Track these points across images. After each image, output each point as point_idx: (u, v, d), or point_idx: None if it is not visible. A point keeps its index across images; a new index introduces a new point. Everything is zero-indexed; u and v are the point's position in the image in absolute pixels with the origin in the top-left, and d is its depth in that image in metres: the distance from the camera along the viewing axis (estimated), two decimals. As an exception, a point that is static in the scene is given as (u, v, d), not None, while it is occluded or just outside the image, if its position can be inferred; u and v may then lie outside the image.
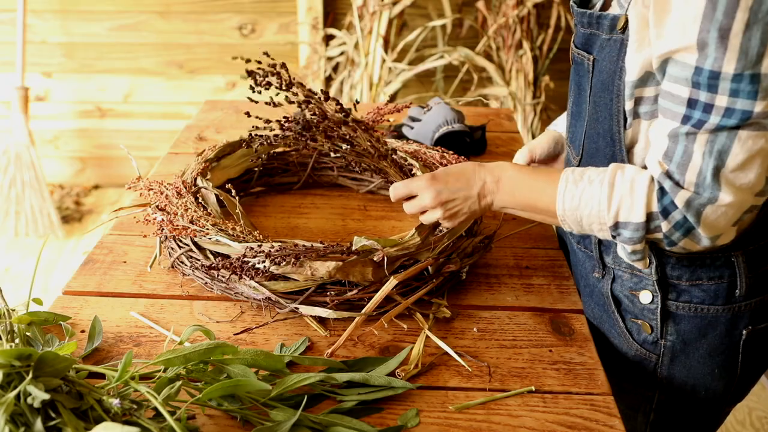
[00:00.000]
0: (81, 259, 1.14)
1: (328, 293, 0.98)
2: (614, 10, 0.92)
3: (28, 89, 2.98)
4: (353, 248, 0.96)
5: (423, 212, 0.98)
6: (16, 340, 0.86)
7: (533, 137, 2.81)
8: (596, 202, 0.87)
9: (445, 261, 1.03)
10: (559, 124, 1.20)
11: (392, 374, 0.87)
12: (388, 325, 0.97)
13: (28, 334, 0.89)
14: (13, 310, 0.89)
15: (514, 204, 0.95)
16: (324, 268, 0.95)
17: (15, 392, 0.64)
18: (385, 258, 0.97)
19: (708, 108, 0.79)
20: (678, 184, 0.83)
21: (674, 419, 1.06)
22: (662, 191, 0.84)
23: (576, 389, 0.88)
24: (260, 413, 0.78)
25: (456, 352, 0.92)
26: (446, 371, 0.90)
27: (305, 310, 0.97)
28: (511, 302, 1.04)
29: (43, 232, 2.96)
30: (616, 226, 0.87)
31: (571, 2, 1.00)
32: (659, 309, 0.97)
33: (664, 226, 0.84)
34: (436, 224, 1.03)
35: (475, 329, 0.98)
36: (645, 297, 0.98)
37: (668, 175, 0.84)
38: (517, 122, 2.73)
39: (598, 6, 0.97)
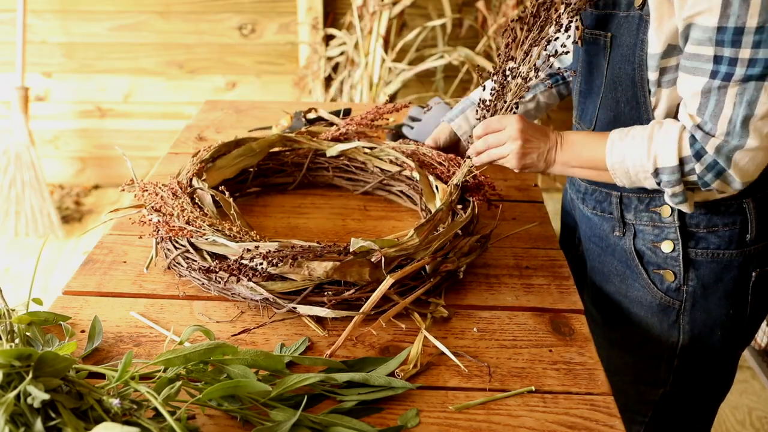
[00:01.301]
0: (81, 259, 1.14)
1: (326, 293, 0.98)
2: None
3: (28, 89, 2.98)
4: (351, 250, 0.96)
5: (493, 148, 1.08)
6: (16, 340, 0.86)
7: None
8: (638, 154, 0.97)
9: (442, 260, 1.03)
10: (455, 117, 1.32)
11: (392, 374, 0.87)
12: (386, 325, 0.97)
13: (28, 334, 0.89)
14: (13, 310, 0.89)
15: (574, 161, 1.05)
16: (321, 268, 0.95)
17: (15, 392, 0.64)
18: (383, 258, 0.97)
19: (733, 62, 0.88)
20: (708, 134, 0.92)
21: (696, 364, 1.13)
22: (694, 138, 0.93)
23: (576, 389, 0.88)
24: (260, 413, 0.78)
25: (454, 352, 0.92)
26: (446, 371, 0.90)
27: (303, 309, 0.97)
28: (511, 302, 1.04)
29: (43, 232, 2.96)
30: (656, 173, 0.97)
31: None
32: (681, 256, 1.07)
33: (698, 168, 0.94)
34: (436, 224, 1.03)
35: (475, 329, 0.98)
36: (666, 246, 1.08)
37: (699, 126, 0.93)
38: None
39: None
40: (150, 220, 1.07)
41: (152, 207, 1.09)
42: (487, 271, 1.12)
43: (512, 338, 0.97)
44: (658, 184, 0.98)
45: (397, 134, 1.53)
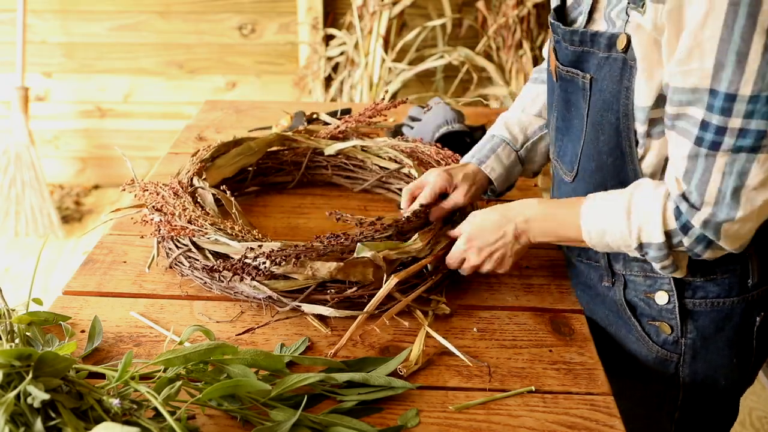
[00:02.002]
0: (81, 259, 1.14)
1: (329, 291, 0.98)
2: (600, 26, 0.91)
3: (28, 89, 2.98)
4: (356, 256, 0.96)
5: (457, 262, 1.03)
6: (16, 340, 0.86)
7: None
8: (619, 229, 0.90)
9: (444, 258, 1.03)
10: (485, 159, 1.16)
11: (392, 374, 0.87)
12: (389, 322, 0.97)
13: (28, 334, 0.89)
14: (13, 310, 0.89)
15: (546, 239, 0.98)
16: (325, 268, 0.96)
17: (15, 392, 0.64)
18: (386, 260, 0.97)
19: (721, 131, 0.80)
20: (694, 206, 0.84)
21: (698, 414, 1.07)
22: (679, 211, 0.86)
23: (576, 389, 0.88)
24: (260, 413, 0.78)
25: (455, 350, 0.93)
26: (446, 371, 0.90)
27: (307, 308, 0.97)
28: (511, 302, 1.04)
29: (43, 232, 2.96)
30: (641, 247, 0.89)
31: (551, 20, 0.98)
32: (677, 308, 0.98)
33: (686, 241, 0.87)
34: (448, 218, 1.04)
35: (475, 329, 0.98)
36: (661, 298, 0.99)
37: (685, 197, 0.85)
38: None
39: (581, 22, 0.94)
40: (151, 220, 1.07)
41: (153, 206, 1.09)
42: (487, 271, 1.12)
43: (512, 338, 0.97)
44: (644, 256, 0.91)
45: (397, 134, 1.53)
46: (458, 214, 1.13)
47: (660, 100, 0.87)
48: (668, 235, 0.87)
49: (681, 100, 0.82)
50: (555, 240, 0.99)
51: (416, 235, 1.01)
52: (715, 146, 0.81)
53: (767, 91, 0.76)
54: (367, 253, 0.96)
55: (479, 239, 1.00)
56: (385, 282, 0.97)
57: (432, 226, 1.06)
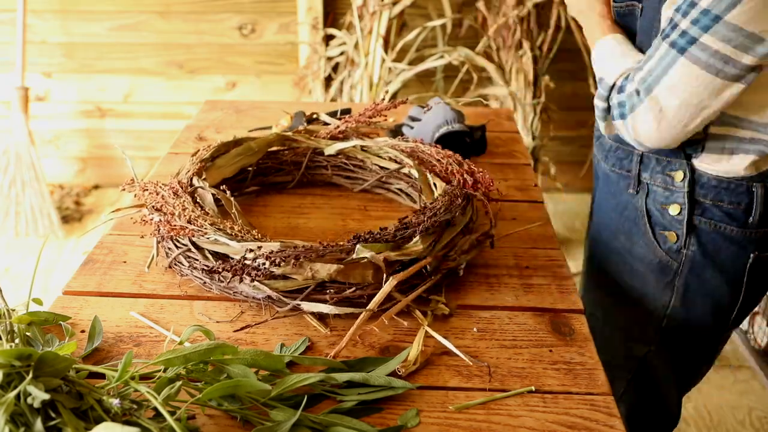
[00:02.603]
0: (81, 259, 1.14)
1: (328, 291, 0.98)
2: None
3: (28, 89, 2.98)
4: (356, 256, 0.96)
5: None
6: (16, 340, 0.86)
7: (533, 137, 2.82)
8: (602, 64, 1.12)
9: (443, 258, 1.03)
10: None
11: (392, 374, 0.87)
12: (388, 322, 0.97)
13: (28, 334, 0.89)
14: (13, 310, 0.89)
15: (589, 36, 1.21)
16: (325, 270, 0.96)
17: (15, 392, 0.64)
18: (386, 261, 0.97)
19: (674, 25, 0.97)
20: (637, 70, 1.03)
21: (681, 328, 1.21)
22: (626, 77, 1.05)
23: (576, 389, 0.88)
24: (260, 413, 0.78)
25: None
26: (446, 371, 0.90)
27: (307, 306, 0.98)
28: (511, 302, 1.04)
29: (43, 232, 2.96)
30: (600, 80, 1.12)
31: None
32: (685, 221, 1.13)
33: (614, 98, 1.06)
34: (440, 232, 1.05)
35: (475, 329, 0.98)
36: (674, 209, 1.15)
37: (639, 66, 1.04)
38: (517, 122, 2.73)
39: None
40: (151, 220, 1.07)
41: (153, 206, 1.09)
42: (487, 271, 1.12)
43: (512, 338, 0.97)
44: (598, 84, 1.12)
45: (397, 134, 1.53)
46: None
47: None
48: (613, 85, 1.07)
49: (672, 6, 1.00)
50: (590, 39, 1.21)
51: (416, 237, 1.01)
52: (665, 35, 0.98)
53: (716, 9, 0.90)
54: (367, 254, 0.96)
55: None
56: (385, 282, 0.97)
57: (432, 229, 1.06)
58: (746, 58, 0.92)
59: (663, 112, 0.99)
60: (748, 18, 0.89)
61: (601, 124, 1.14)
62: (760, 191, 1.08)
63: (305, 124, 1.50)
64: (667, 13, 1.01)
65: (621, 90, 1.05)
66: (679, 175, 1.13)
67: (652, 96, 0.99)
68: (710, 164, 1.10)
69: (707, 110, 0.98)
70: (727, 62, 0.92)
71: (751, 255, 1.13)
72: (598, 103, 1.11)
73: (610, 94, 1.08)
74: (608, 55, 1.12)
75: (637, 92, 1.01)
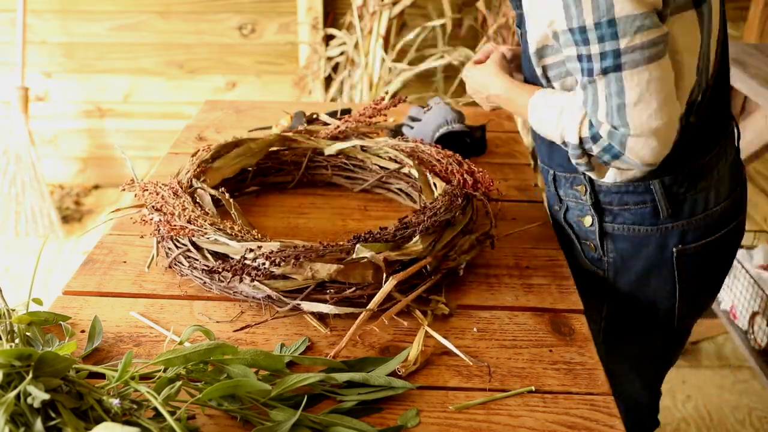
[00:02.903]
0: (81, 259, 1.14)
1: (328, 291, 0.98)
2: None
3: (28, 89, 2.98)
4: (356, 256, 0.96)
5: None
6: (16, 340, 0.86)
7: (533, 137, 2.82)
8: (551, 124, 1.08)
9: (443, 258, 1.03)
10: None
11: (392, 374, 0.87)
12: (388, 322, 0.97)
13: (28, 334, 0.89)
14: (13, 310, 0.89)
15: (510, 107, 1.22)
16: (325, 270, 0.96)
17: (15, 392, 0.64)
18: (386, 261, 0.97)
19: (589, 58, 0.96)
20: (599, 121, 1.00)
21: (624, 331, 1.26)
22: (591, 123, 1.01)
23: (576, 389, 0.88)
24: (260, 413, 0.78)
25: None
26: (446, 371, 0.90)
27: (307, 306, 0.97)
28: (511, 302, 1.04)
29: (43, 232, 2.96)
30: (564, 144, 1.07)
31: None
32: (597, 230, 1.17)
33: (595, 149, 1.02)
34: (440, 232, 1.05)
35: (475, 329, 0.98)
36: (587, 221, 1.18)
37: (590, 120, 1.02)
38: (517, 122, 2.73)
39: None
40: (151, 220, 1.07)
41: (153, 206, 1.09)
42: (487, 271, 1.12)
43: (512, 338, 0.97)
44: (566, 148, 1.08)
45: (397, 134, 1.53)
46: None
47: (542, 50, 1.06)
48: (581, 140, 1.03)
49: (560, 45, 0.99)
50: (514, 111, 1.23)
51: (416, 237, 1.01)
52: (590, 72, 0.96)
53: (605, 16, 0.91)
54: (367, 254, 0.96)
55: (469, 87, 1.28)
56: (385, 282, 0.97)
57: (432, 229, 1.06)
58: (659, 29, 0.93)
59: (651, 125, 0.95)
60: (631, 3, 0.91)
61: (594, 174, 1.11)
62: (658, 187, 1.10)
63: (305, 124, 1.50)
64: (566, 50, 0.98)
65: (596, 139, 1.01)
66: (582, 189, 1.16)
67: (629, 123, 0.96)
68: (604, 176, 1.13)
69: (674, 91, 0.98)
70: (656, 44, 0.93)
71: (674, 249, 1.14)
72: (581, 162, 1.07)
73: (584, 148, 1.04)
74: (548, 115, 1.08)
75: (615, 128, 0.97)
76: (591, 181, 1.14)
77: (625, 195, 1.12)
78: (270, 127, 1.58)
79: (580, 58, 0.97)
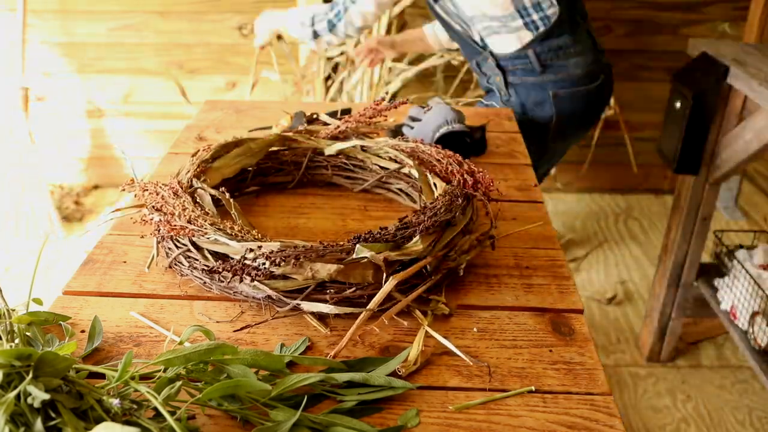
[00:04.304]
0: (81, 259, 1.14)
1: (328, 291, 0.98)
2: None
3: (28, 89, 2.98)
4: (356, 256, 0.96)
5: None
6: (16, 340, 0.86)
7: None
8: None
9: (443, 258, 1.03)
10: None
11: (392, 374, 0.87)
12: (388, 322, 0.97)
13: (28, 334, 0.89)
14: (13, 310, 0.89)
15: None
16: (325, 270, 0.96)
17: (15, 392, 0.64)
18: (386, 261, 0.97)
19: None
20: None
21: (527, 133, 1.76)
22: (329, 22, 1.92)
23: (576, 389, 0.88)
24: (260, 413, 0.78)
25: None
26: (446, 371, 0.90)
27: (307, 306, 0.98)
28: (511, 302, 1.04)
29: (43, 232, 2.96)
30: (301, 24, 1.99)
31: None
32: (502, 82, 1.97)
33: (319, 23, 1.97)
34: (440, 232, 1.05)
35: (475, 329, 0.98)
36: (498, 79, 1.98)
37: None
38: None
39: None
40: (151, 220, 1.07)
41: (153, 206, 1.09)
42: (487, 271, 1.12)
43: (512, 338, 0.97)
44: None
45: (397, 134, 1.53)
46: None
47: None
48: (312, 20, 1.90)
49: None
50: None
51: (417, 237, 1.01)
52: None
53: None
54: (367, 254, 0.96)
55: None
56: (385, 282, 0.97)
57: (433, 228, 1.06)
58: None
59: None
60: None
61: (312, 44, 2.03)
62: (532, 54, 1.89)
63: (305, 124, 1.50)
64: None
65: (321, 19, 1.93)
66: (491, 61, 1.95)
67: None
68: (496, 50, 1.93)
69: None
70: None
71: (550, 92, 1.92)
72: (304, 33, 1.96)
73: (313, 25, 1.83)
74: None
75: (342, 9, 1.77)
76: (493, 54, 1.94)
77: (514, 60, 1.92)
78: (270, 127, 1.58)
79: None
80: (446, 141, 1.46)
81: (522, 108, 1.95)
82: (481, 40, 1.94)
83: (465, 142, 1.48)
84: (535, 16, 1.85)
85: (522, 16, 1.86)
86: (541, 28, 1.86)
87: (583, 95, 1.95)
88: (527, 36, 1.88)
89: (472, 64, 2.04)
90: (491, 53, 1.92)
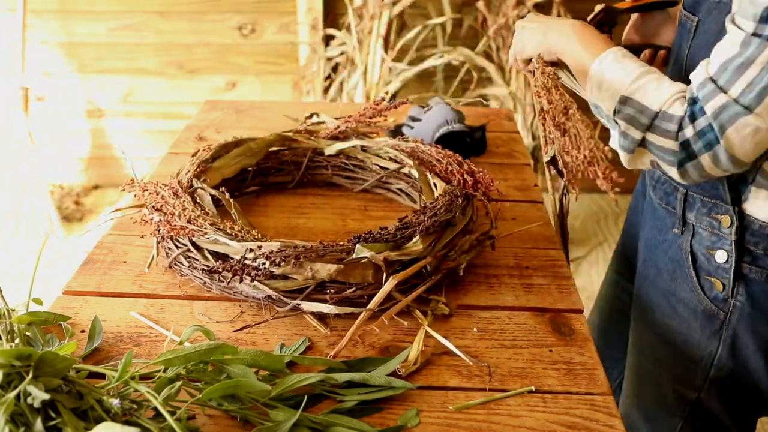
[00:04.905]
0: (81, 259, 1.14)
1: (328, 291, 0.98)
2: None
3: (28, 89, 2.98)
4: (356, 256, 0.96)
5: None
6: (16, 340, 0.86)
7: (533, 137, 2.81)
8: (625, 73, 0.93)
9: (443, 258, 1.03)
10: None
11: (392, 374, 0.87)
12: (388, 322, 0.97)
13: (28, 334, 0.89)
14: (13, 310, 0.89)
15: (559, 55, 1.06)
16: (325, 270, 0.96)
17: (15, 392, 0.64)
18: (386, 261, 0.97)
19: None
20: (721, 89, 0.85)
21: (733, 381, 1.10)
22: (694, 101, 0.87)
23: (576, 389, 0.88)
24: (260, 413, 0.78)
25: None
26: (446, 371, 0.90)
27: (307, 306, 0.98)
28: (511, 302, 1.04)
29: (43, 232, 2.96)
30: (624, 101, 0.92)
31: None
32: (732, 269, 1.02)
33: (689, 131, 0.88)
34: (441, 230, 1.04)
35: (475, 329, 0.98)
36: (720, 256, 1.03)
37: (713, 79, 0.86)
38: (517, 122, 2.73)
39: None
40: (151, 220, 1.07)
41: (153, 206, 1.09)
42: (487, 271, 1.12)
43: (512, 338, 0.97)
44: (615, 114, 0.93)
45: (397, 134, 1.53)
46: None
47: None
48: (661, 114, 0.89)
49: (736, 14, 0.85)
50: (565, 59, 1.05)
51: (417, 237, 1.01)
52: (759, 34, 0.82)
53: None
54: (367, 254, 0.96)
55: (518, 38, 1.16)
56: (385, 282, 0.97)
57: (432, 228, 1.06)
58: None
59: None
60: None
61: (623, 155, 0.95)
62: None
63: (305, 123, 1.50)
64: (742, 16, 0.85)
65: (694, 117, 0.87)
66: (726, 221, 1.00)
67: (764, 103, 0.82)
68: (760, 207, 0.97)
69: None
70: None
71: None
72: (629, 130, 0.92)
73: (657, 126, 0.90)
74: (620, 74, 0.93)
75: (736, 100, 0.84)
76: (741, 213, 0.99)
77: None
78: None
79: (762, 18, 0.81)
80: (446, 141, 1.45)
81: (743, 321, 1.05)
82: (735, 188, 1.01)
83: (465, 142, 1.48)
84: None
85: None
86: None
87: None
88: None
89: (667, 192, 1.12)
90: (738, 212, 1.00)
